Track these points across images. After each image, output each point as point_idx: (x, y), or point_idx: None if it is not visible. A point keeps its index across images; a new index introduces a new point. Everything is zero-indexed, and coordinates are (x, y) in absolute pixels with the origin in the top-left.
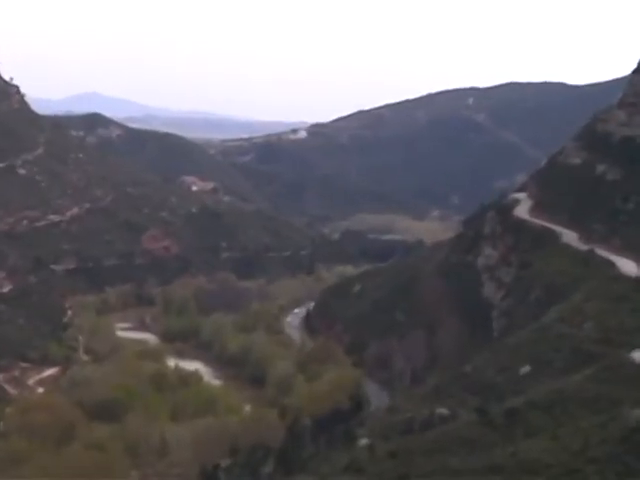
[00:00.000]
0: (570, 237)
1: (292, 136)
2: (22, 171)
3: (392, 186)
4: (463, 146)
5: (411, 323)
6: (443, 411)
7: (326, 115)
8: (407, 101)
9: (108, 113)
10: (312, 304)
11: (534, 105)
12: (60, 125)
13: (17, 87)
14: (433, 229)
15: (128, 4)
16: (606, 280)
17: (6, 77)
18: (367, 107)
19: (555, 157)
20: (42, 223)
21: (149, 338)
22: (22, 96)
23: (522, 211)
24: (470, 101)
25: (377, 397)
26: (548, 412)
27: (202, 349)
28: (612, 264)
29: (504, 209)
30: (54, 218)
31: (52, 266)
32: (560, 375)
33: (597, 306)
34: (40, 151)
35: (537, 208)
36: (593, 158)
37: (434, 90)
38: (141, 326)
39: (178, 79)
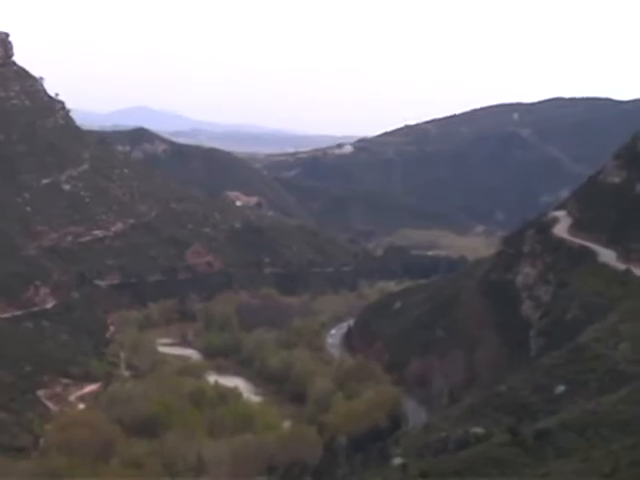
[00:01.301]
0: (608, 256)
1: (337, 151)
2: (67, 187)
3: (437, 202)
4: (508, 162)
5: (451, 341)
6: (478, 430)
7: (372, 129)
8: (452, 116)
9: (156, 127)
10: (353, 321)
11: (579, 120)
12: (105, 140)
13: (62, 103)
14: (476, 245)
15: (178, 20)
16: None
17: (51, 93)
18: (413, 122)
19: (595, 175)
20: (86, 239)
21: (191, 354)
22: (67, 112)
23: (561, 229)
24: (515, 116)
25: (416, 415)
26: (580, 433)
27: (243, 365)
28: None
29: (543, 227)
30: (98, 234)
31: (96, 281)
32: (595, 396)
33: (633, 327)
34: (85, 167)
35: (576, 226)
36: (632, 177)
37: (479, 105)
38: (183, 342)
39: (226, 93)
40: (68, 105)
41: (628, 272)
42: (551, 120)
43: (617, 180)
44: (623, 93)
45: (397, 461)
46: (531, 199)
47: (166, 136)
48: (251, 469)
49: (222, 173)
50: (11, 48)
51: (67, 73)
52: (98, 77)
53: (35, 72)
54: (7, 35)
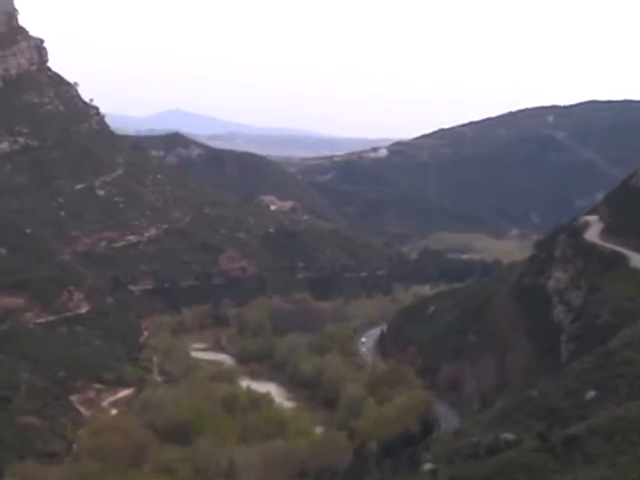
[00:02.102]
0: (639, 261)
1: (373, 154)
2: (101, 192)
3: (472, 205)
4: (543, 164)
5: (483, 346)
6: (508, 436)
7: (408, 132)
8: (488, 119)
9: (193, 130)
10: (386, 325)
11: (615, 123)
12: (139, 145)
13: (97, 108)
14: (511, 249)
15: (214, 24)
16: None
17: (90, 98)
18: (448, 125)
19: (627, 180)
20: (120, 244)
21: (224, 359)
22: (102, 117)
23: (593, 234)
24: (550, 119)
25: (448, 420)
26: (608, 439)
27: (277, 370)
28: None
29: (575, 232)
30: (132, 239)
31: (129, 287)
32: (625, 401)
33: None
34: (119, 172)
35: (608, 231)
36: None
37: (515, 108)
38: (217, 347)
39: (262, 96)
40: (106, 110)
41: None
42: (587, 123)
43: None
44: None
45: (427, 467)
46: (566, 202)
47: (202, 140)
48: (282, 474)
49: (257, 177)
50: (46, 54)
51: (106, 78)
52: (136, 81)
53: (74, 78)
54: (42, 41)
